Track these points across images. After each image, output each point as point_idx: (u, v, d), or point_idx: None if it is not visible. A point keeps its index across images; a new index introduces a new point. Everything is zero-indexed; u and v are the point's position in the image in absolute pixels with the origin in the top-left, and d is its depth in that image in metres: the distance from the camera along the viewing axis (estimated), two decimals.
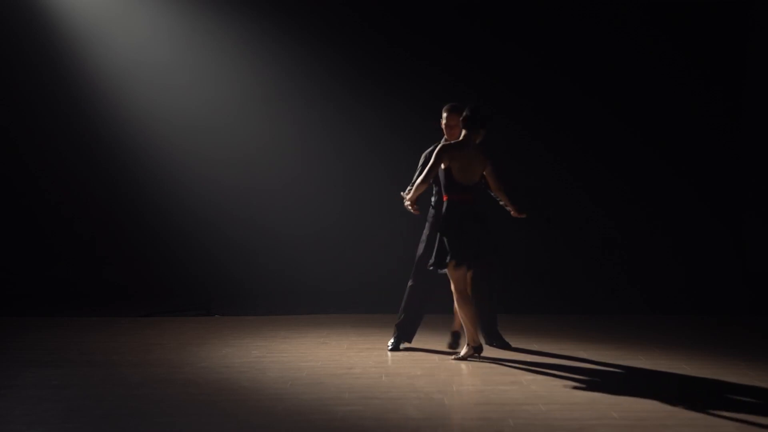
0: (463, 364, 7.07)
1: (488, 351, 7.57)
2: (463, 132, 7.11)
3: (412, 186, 7.27)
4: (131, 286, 10.90)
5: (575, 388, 6.30)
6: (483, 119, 7.08)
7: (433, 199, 7.59)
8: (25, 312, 9.62)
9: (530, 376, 6.65)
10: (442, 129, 7.45)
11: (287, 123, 11.20)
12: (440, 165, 7.06)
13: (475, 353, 7.12)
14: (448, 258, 6.99)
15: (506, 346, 7.62)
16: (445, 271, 7.06)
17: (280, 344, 7.84)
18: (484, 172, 7.13)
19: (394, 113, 10.86)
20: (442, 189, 7.13)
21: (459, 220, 7.00)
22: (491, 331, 7.69)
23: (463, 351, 7.19)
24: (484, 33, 10.95)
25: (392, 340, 7.59)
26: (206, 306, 9.88)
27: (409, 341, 7.63)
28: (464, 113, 7.11)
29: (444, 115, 7.41)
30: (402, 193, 7.37)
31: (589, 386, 6.34)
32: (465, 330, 7.13)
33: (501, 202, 7.35)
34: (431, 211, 7.58)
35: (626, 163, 10.98)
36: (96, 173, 11.19)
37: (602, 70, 10.94)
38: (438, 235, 7.08)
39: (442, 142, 7.39)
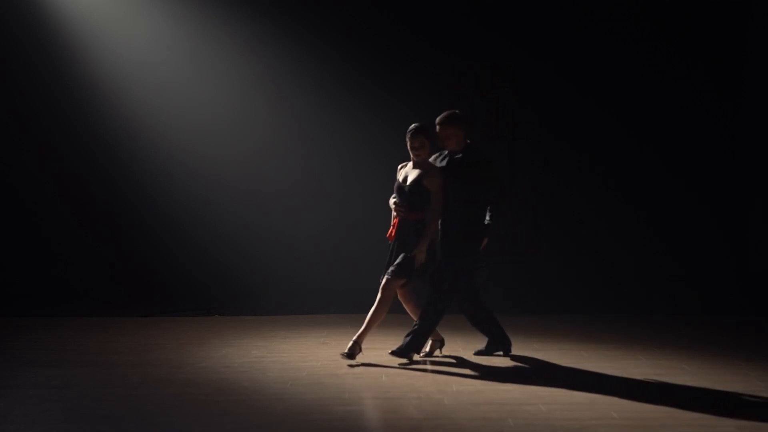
0: (465, 363, 7.07)
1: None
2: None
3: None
4: (131, 286, 10.91)
5: (575, 388, 6.30)
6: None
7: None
8: (25, 312, 9.62)
9: (530, 376, 6.65)
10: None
11: (288, 123, 11.21)
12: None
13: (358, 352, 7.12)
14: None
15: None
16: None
17: (280, 344, 7.84)
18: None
19: (395, 114, 10.84)
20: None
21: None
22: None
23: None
24: (485, 33, 10.95)
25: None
26: (206, 306, 9.89)
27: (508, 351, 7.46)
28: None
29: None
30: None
31: (589, 386, 6.34)
32: (366, 329, 7.07)
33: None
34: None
35: (627, 164, 10.98)
36: (96, 173, 11.19)
37: (601, 70, 10.93)
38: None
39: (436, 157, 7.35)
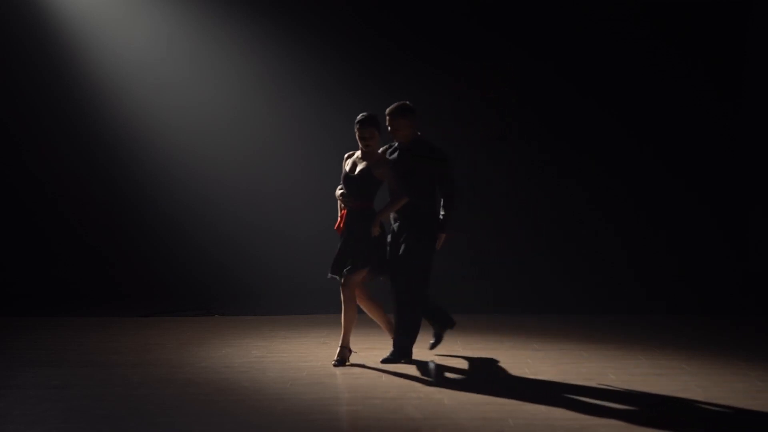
0: (465, 363, 7.07)
1: (487, 351, 7.57)
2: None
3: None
4: (131, 286, 10.90)
5: (576, 388, 6.30)
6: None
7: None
8: (25, 312, 9.62)
9: (530, 376, 6.65)
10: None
11: (288, 123, 11.20)
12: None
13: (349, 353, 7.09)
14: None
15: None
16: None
17: (280, 344, 7.84)
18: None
19: None
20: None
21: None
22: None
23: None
24: (485, 33, 10.95)
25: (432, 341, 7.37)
26: (206, 306, 9.90)
27: (452, 324, 7.37)
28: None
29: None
30: None
31: (590, 386, 6.34)
32: (346, 333, 7.04)
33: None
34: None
35: (628, 164, 10.96)
36: (96, 173, 11.19)
37: (600, 70, 10.93)
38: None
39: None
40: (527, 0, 10.96)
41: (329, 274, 7.19)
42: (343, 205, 7.12)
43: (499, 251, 10.89)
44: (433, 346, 7.37)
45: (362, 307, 7.24)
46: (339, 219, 7.13)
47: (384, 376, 6.67)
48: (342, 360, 6.98)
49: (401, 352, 7.13)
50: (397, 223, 7.19)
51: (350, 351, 7.05)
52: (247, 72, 11.13)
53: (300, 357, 7.28)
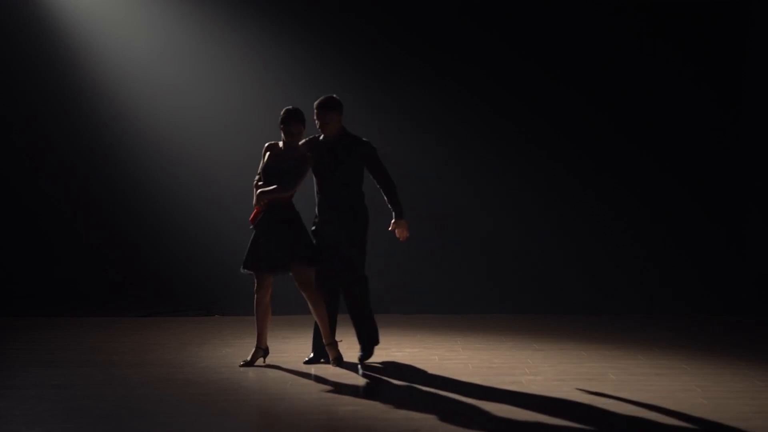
0: (465, 363, 7.07)
1: (487, 351, 7.58)
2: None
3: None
4: (131, 286, 10.90)
5: (575, 388, 6.30)
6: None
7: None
8: (26, 312, 9.62)
9: (530, 376, 6.66)
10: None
11: None
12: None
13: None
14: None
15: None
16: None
17: (280, 344, 7.84)
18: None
19: (393, 113, 10.85)
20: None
21: None
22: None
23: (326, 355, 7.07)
24: (485, 35, 10.95)
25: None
26: (206, 306, 9.90)
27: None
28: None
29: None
30: None
31: (590, 386, 6.35)
32: (325, 329, 7.01)
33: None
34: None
35: (629, 165, 10.95)
36: (96, 173, 11.19)
37: (599, 71, 10.92)
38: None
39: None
40: (527, 2, 10.96)
41: (245, 270, 7.17)
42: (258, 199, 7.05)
43: (500, 251, 10.89)
44: (309, 361, 7.15)
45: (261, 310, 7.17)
46: (255, 211, 7.09)
47: (384, 376, 6.67)
48: (339, 358, 6.97)
49: (370, 342, 7.10)
50: (323, 217, 7.14)
51: (337, 342, 7.04)
52: (248, 72, 11.11)
53: (300, 357, 7.28)
